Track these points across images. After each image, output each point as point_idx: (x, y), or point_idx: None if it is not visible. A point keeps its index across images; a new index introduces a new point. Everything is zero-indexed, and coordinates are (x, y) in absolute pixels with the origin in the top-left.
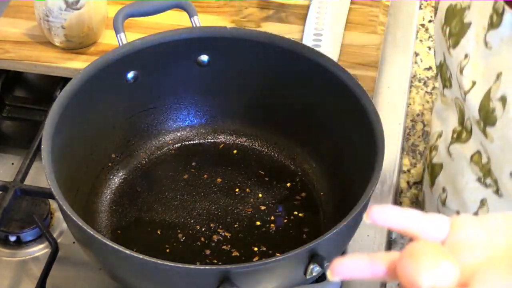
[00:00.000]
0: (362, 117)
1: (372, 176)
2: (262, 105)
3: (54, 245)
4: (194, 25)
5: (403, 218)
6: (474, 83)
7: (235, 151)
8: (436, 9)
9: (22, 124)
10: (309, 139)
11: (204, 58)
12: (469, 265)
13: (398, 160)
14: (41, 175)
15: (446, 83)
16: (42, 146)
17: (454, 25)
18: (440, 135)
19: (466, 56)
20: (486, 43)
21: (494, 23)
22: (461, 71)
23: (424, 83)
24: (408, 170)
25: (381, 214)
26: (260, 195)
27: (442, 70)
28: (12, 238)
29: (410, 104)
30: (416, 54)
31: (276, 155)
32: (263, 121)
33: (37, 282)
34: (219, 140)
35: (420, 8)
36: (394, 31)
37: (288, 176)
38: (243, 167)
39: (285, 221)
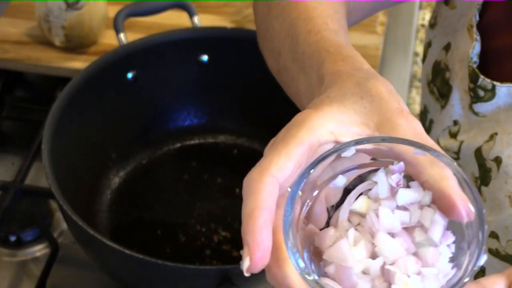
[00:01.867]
0: None
1: None
2: (262, 105)
3: (54, 245)
4: (194, 25)
5: None
6: (461, 142)
7: (235, 151)
8: (425, 56)
9: (22, 124)
10: None
11: (204, 58)
12: None
13: None
14: (41, 175)
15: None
16: (42, 146)
17: (440, 85)
18: None
19: (455, 122)
20: (476, 113)
21: (484, 97)
22: (452, 136)
23: None
24: None
25: None
26: None
27: (422, 119)
28: (12, 238)
29: (410, 104)
30: (416, 54)
31: None
32: (263, 121)
33: (37, 282)
34: (219, 140)
35: (420, 8)
36: (394, 31)
37: None
38: (243, 167)
39: None
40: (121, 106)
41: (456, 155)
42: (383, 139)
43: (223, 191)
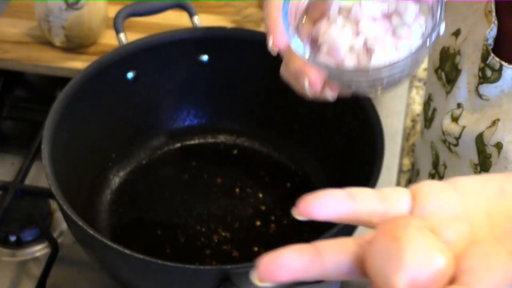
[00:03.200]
0: (362, 117)
1: (372, 176)
2: (262, 105)
3: (54, 245)
4: (194, 25)
5: (347, 204)
6: (463, 128)
7: (235, 151)
8: None
9: (22, 124)
10: (309, 139)
11: (204, 58)
12: (452, 246)
13: (398, 160)
14: (41, 175)
15: (427, 123)
16: (42, 146)
17: (448, 70)
18: (418, 173)
19: (459, 105)
20: (480, 95)
21: (490, 78)
22: (453, 120)
23: (424, 83)
24: (408, 170)
25: (314, 206)
26: (260, 195)
27: (425, 109)
28: (12, 238)
29: (410, 104)
30: None
31: (276, 155)
32: (263, 121)
33: (37, 282)
34: (219, 140)
35: None
36: None
37: (288, 176)
38: (243, 167)
39: (285, 221)
40: (121, 106)
41: (456, 141)
42: None
43: (223, 191)
